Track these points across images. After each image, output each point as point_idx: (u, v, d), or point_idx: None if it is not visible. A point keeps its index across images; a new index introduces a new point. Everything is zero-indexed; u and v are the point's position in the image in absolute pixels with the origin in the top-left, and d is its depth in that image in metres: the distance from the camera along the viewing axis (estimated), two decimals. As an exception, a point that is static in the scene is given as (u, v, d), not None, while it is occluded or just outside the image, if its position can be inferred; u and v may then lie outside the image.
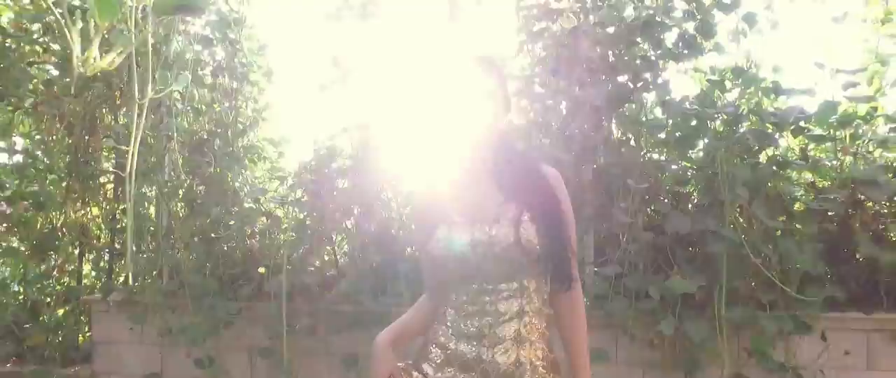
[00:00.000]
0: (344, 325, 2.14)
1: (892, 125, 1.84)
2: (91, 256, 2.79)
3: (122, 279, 2.62)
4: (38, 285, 2.50)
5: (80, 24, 0.61)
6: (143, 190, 2.50)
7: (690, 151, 2.01)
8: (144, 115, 1.17)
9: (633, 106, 2.06)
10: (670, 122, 2.01)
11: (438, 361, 1.15)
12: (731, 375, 1.91)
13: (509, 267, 1.10)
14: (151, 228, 2.56)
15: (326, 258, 2.35)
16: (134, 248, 2.56)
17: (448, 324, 1.15)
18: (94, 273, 2.83)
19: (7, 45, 1.80)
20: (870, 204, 1.95)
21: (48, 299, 2.69)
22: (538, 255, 1.08)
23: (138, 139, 1.14)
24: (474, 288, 1.12)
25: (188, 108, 2.40)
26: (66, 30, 0.63)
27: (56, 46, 2.37)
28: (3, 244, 2.32)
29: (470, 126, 1.13)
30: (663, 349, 1.95)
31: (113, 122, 2.59)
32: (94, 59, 0.63)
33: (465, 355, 1.11)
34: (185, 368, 2.34)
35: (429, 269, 1.23)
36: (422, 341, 1.21)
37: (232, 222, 2.30)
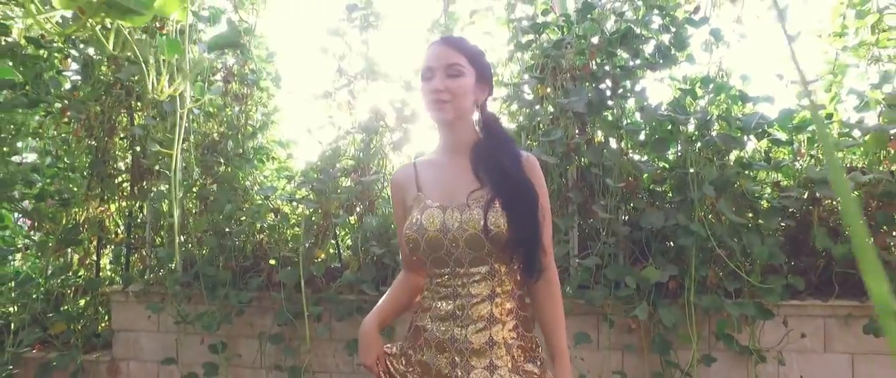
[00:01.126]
0: (347, 312, 2.31)
1: (845, 130, 2.02)
2: (108, 250, 2.96)
3: (136, 271, 2.79)
4: (62, 277, 2.66)
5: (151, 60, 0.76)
6: (161, 188, 2.68)
7: (665, 153, 2.20)
8: (186, 120, 1.34)
9: (614, 111, 2.25)
10: (647, 126, 2.20)
11: (419, 343, 1.18)
12: (700, 357, 2.11)
13: (479, 251, 1.11)
14: (164, 224, 2.74)
15: (331, 251, 2.53)
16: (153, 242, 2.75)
17: (426, 306, 1.18)
18: (110, 266, 3.00)
19: (39, 53, 1.95)
20: (828, 201, 2.14)
21: (68, 290, 2.86)
22: (506, 242, 1.09)
23: (180, 143, 1.31)
24: (447, 271, 1.13)
25: (200, 111, 2.57)
26: (144, 66, 0.80)
27: (74, 53, 2.55)
28: (34, 238, 2.49)
29: (439, 104, 1.14)
30: (640, 333, 2.14)
31: (129, 125, 2.76)
32: (164, 86, 0.79)
33: (440, 336, 1.13)
34: (198, 354, 2.51)
35: (405, 250, 1.22)
36: (409, 324, 1.23)
37: (243, 218, 2.48)
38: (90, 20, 0.69)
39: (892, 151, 1.91)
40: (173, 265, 2.31)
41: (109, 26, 0.64)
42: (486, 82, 1.21)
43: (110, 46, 0.81)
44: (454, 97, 1.15)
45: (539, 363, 1.14)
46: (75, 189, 2.50)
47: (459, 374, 1.10)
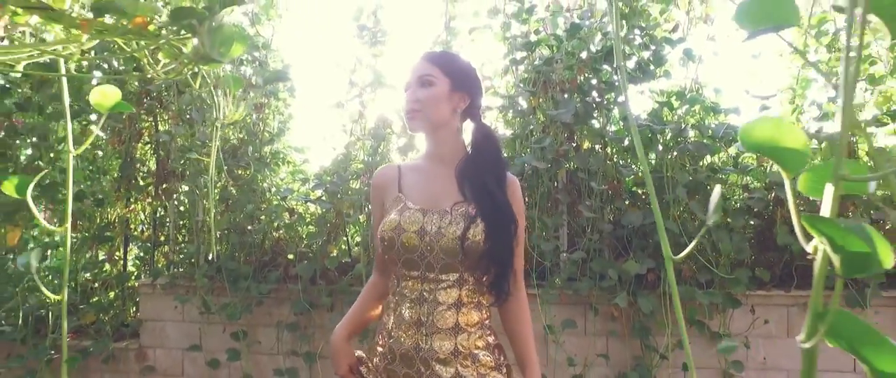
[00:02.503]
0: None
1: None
2: (133, 247, 3.19)
3: (162, 266, 3.02)
4: (94, 271, 2.89)
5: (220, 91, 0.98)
6: (183, 189, 2.91)
7: (645, 159, 2.44)
8: (219, 133, 1.58)
9: (599, 120, 2.49)
10: (629, 134, 2.45)
11: (383, 350, 1.17)
12: (675, 341, 2.35)
13: (452, 259, 1.11)
14: (185, 223, 2.98)
15: (343, 247, 2.76)
16: (175, 239, 2.98)
17: (392, 313, 1.17)
18: (135, 262, 3.23)
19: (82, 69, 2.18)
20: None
21: (96, 283, 3.09)
22: (480, 255, 1.11)
23: (216, 151, 1.54)
24: (416, 275, 1.13)
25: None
26: (216, 96, 1.03)
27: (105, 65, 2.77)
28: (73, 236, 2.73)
29: (411, 114, 1.18)
30: (622, 320, 2.38)
31: (154, 131, 2.99)
32: (231, 112, 1.00)
33: (405, 343, 1.12)
34: (220, 341, 2.74)
35: (379, 250, 1.22)
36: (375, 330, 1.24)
37: (262, 217, 2.71)
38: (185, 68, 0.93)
39: (844, 158, 2.15)
40: (208, 257, 2.54)
41: (196, 70, 0.85)
42: (466, 90, 1.21)
43: (197, 85, 1.05)
44: (423, 107, 1.17)
45: (504, 371, 1.17)
46: (108, 189, 2.73)
47: None
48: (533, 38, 2.49)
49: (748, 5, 0.43)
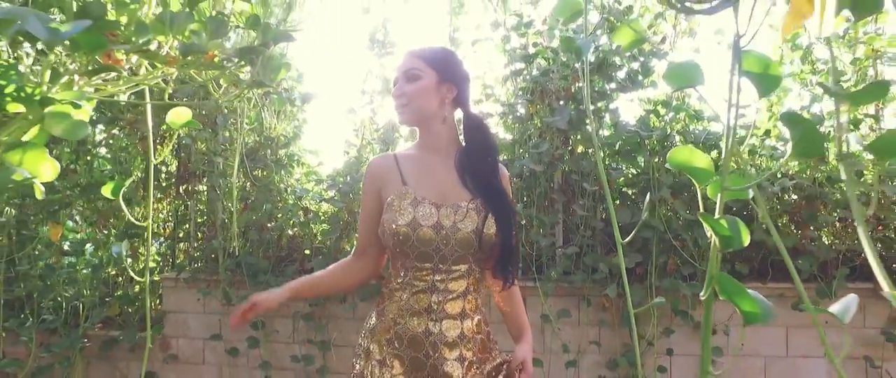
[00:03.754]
0: (368, 294, 2.75)
1: (779, 143, 2.48)
2: (155, 243, 3.39)
3: (184, 261, 3.22)
4: (123, 265, 3.10)
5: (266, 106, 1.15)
6: (202, 189, 3.12)
7: (634, 161, 2.64)
8: (242, 139, 1.78)
9: (591, 126, 2.69)
10: (619, 139, 2.65)
11: (388, 337, 1.19)
12: (661, 330, 2.55)
13: (466, 251, 1.16)
14: (206, 220, 3.18)
15: (355, 243, 2.97)
16: (195, 236, 3.18)
17: (397, 299, 1.19)
18: (156, 257, 3.44)
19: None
20: (771, 202, 2.59)
21: (120, 278, 3.30)
22: (492, 247, 1.17)
23: (239, 155, 1.74)
24: (429, 266, 1.16)
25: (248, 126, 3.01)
26: (264, 111, 1.24)
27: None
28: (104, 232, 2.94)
29: (400, 108, 1.21)
30: (612, 310, 2.59)
31: (177, 136, 3.19)
32: (275, 126, 1.19)
33: (413, 330, 1.16)
34: (240, 331, 2.95)
35: (367, 236, 1.26)
36: (371, 320, 1.27)
37: (279, 216, 2.92)
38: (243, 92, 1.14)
39: (813, 162, 2.36)
40: (229, 252, 2.74)
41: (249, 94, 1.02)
42: (453, 81, 1.23)
43: (250, 106, 1.26)
44: (411, 100, 1.20)
45: (495, 348, 1.27)
46: (135, 190, 2.93)
47: (435, 362, 1.15)
48: (531, 50, 2.69)
49: (671, 70, 0.64)
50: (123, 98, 0.98)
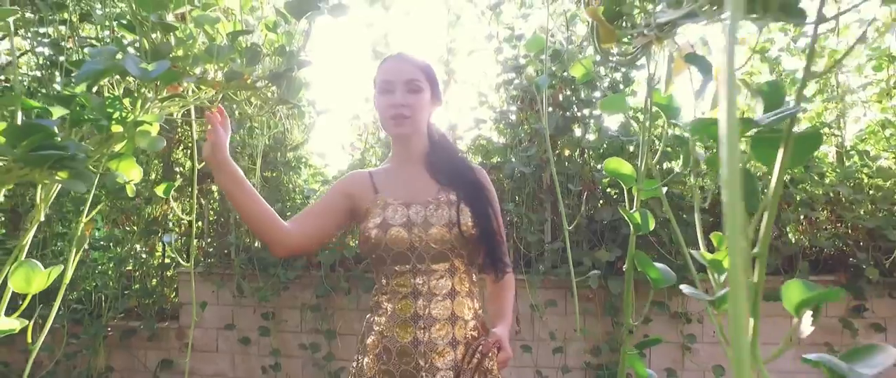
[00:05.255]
0: (371, 286, 2.96)
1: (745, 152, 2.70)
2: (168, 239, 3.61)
3: (197, 255, 3.44)
4: (142, 261, 3.32)
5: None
6: (215, 188, 3.33)
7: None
8: (263, 143, 2.00)
9: (578, 131, 2.92)
10: (602, 144, 2.87)
11: (377, 351, 1.13)
12: (640, 319, 2.77)
13: (442, 247, 1.12)
14: (218, 218, 3.40)
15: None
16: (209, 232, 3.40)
17: (383, 311, 1.15)
18: (173, 253, 3.66)
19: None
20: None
21: (138, 272, 3.52)
22: (472, 239, 1.13)
23: (261, 159, 1.96)
24: (407, 269, 1.12)
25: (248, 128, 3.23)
26: (284, 121, 1.46)
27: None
28: (121, 230, 3.16)
29: (400, 119, 1.17)
30: (596, 301, 2.81)
31: (192, 138, 3.41)
32: (291, 131, 1.39)
33: (402, 339, 1.10)
34: (250, 321, 3.17)
35: (305, 219, 1.21)
36: (363, 332, 1.21)
37: (288, 214, 3.14)
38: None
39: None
40: (245, 246, 2.97)
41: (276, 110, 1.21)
42: (438, 97, 1.25)
43: (276, 119, 1.49)
44: (414, 112, 1.18)
45: (491, 355, 1.17)
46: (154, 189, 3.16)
47: (424, 376, 1.09)
48: (522, 61, 2.91)
49: (606, 101, 0.86)
50: (177, 115, 1.20)
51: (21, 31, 2.42)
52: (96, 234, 3.20)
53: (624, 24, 0.76)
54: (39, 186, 0.76)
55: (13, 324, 0.66)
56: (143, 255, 3.55)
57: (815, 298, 0.50)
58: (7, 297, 0.74)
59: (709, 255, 0.60)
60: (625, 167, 0.86)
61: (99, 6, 2.36)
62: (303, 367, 3.10)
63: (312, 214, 1.24)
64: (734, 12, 0.33)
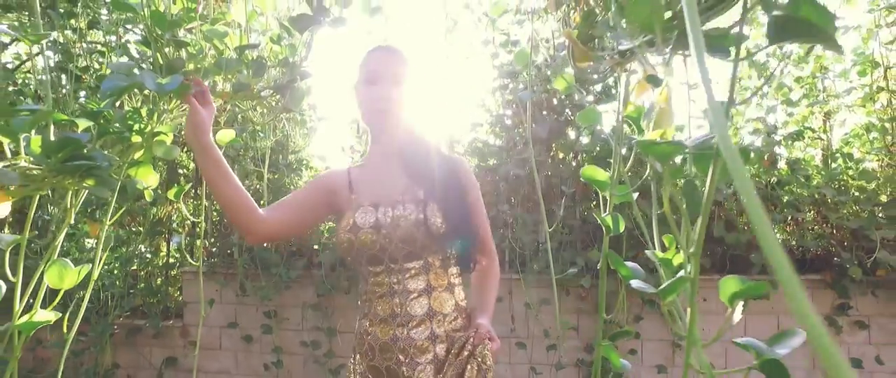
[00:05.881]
0: (371, 286, 3.06)
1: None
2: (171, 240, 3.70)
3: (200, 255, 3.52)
4: (147, 260, 3.41)
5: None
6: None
7: (609, 167, 2.95)
8: (269, 146, 2.09)
9: (571, 135, 3.00)
10: (595, 147, 2.96)
11: (364, 349, 1.15)
12: (633, 316, 2.86)
13: (412, 246, 1.11)
14: (216, 219, 3.49)
15: (357, 240, 3.27)
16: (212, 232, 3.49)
17: (365, 311, 1.17)
18: (177, 253, 3.74)
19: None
20: (729, 203, 2.90)
21: (142, 272, 3.60)
22: (441, 236, 1.11)
23: (267, 161, 2.04)
24: (381, 269, 1.13)
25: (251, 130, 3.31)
26: (293, 126, 1.55)
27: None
28: (126, 231, 3.25)
29: (382, 112, 1.17)
30: (589, 299, 2.89)
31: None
32: (294, 136, 1.47)
33: (382, 337, 1.11)
34: (253, 320, 3.25)
35: (282, 209, 1.20)
36: (355, 331, 1.25)
37: (290, 214, 3.22)
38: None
39: (766, 166, 2.67)
40: (248, 246, 3.05)
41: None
42: (421, 93, 1.25)
43: (280, 126, 1.57)
44: (397, 105, 1.18)
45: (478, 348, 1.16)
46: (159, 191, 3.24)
47: (406, 371, 1.11)
48: (517, 67, 2.99)
49: (583, 114, 0.94)
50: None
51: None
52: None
53: (596, 45, 0.84)
54: (69, 192, 0.85)
55: (50, 316, 0.74)
56: (148, 255, 3.63)
57: (745, 291, 0.58)
58: (18, 293, 0.82)
59: (660, 254, 0.68)
60: (600, 174, 0.95)
61: (105, 12, 2.45)
62: (304, 363, 3.19)
63: (289, 205, 1.24)
64: (698, 52, 0.40)
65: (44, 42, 0.93)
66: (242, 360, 3.29)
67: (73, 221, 0.95)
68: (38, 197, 0.81)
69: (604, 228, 0.89)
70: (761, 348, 0.55)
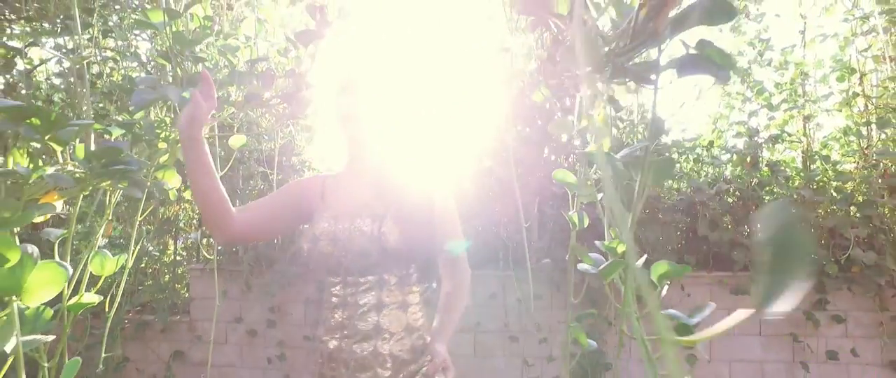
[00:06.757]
0: (371, 282, 3.19)
1: (723, 153, 2.92)
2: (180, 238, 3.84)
3: (206, 253, 3.65)
4: (155, 258, 3.54)
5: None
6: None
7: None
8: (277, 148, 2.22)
9: (562, 137, 3.13)
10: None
11: (317, 358, 1.17)
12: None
13: (367, 260, 1.09)
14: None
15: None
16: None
17: (321, 318, 1.18)
18: (181, 251, 3.88)
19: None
20: (713, 203, 3.03)
21: (149, 269, 3.74)
22: (397, 252, 1.09)
23: (276, 162, 2.17)
24: (338, 280, 1.12)
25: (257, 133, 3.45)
26: (298, 133, 1.68)
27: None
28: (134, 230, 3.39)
29: (356, 120, 1.16)
30: (578, 294, 3.02)
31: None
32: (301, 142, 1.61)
33: (330, 346, 1.12)
34: (257, 315, 3.38)
35: (256, 210, 1.20)
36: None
37: (293, 214, 3.35)
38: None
39: (747, 168, 2.80)
40: (253, 243, 3.18)
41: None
42: (400, 105, 1.24)
43: (286, 131, 1.71)
44: (369, 115, 1.17)
45: (424, 370, 1.14)
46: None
47: None
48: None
49: (553, 125, 1.07)
50: (205, 130, 1.42)
51: (46, 44, 2.65)
52: (113, 233, 3.41)
53: (562, 67, 0.97)
54: (108, 193, 0.98)
55: (94, 298, 0.87)
56: (156, 253, 3.77)
57: (671, 273, 0.71)
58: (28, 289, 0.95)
59: (607, 244, 0.81)
60: (569, 177, 1.08)
61: (114, 18, 2.59)
62: (306, 356, 3.32)
63: (259, 208, 1.23)
64: (590, 86, 0.53)
65: (61, 50, 1.06)
66: (247, 354, 3.42)
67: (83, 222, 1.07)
68: (81, 196, 0.94)
69: (571, 224, 1.02)
70: (677, 315, 0.68)
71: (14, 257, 0.56)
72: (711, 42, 0.61)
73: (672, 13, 0.61)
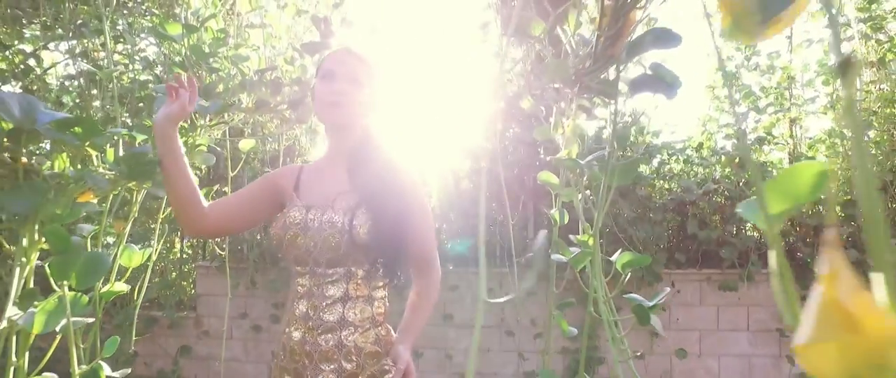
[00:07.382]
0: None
1: (712, 155, 3.02)
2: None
3: (212, 251, 3.77)
4: (162, 255, 3.65)
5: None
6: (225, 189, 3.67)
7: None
8: (282, 149, 2.33)
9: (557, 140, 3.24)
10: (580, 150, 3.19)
11: (281, 349, 1.15)
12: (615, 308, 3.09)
13: (336, 253, 1.08)
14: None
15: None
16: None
17: (289, 309, 1.17)
18: (187, 249, 3.99)
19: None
20: (702, 202, 3.14)
21: (157, 267, 3.85)
22: (366, 246, 1.08)
23: (281, 164, 2.28)
24: (306, 271, 1.12)
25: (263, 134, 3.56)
26: (301, 135, 1.78)
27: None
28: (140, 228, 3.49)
29: (334, 106, 1.13)
30: (572, 291, 3.13)
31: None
32: (303, 143, 1.71)
33: (294, 337, 1.11)
34: (261, 311, 3.49)
35: (225, 203, 1.21)
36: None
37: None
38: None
39: (734, 168, 2.91)
40: (257, 241, 3.29)
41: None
42: (382, 98, 1.23)
43: (290, 134, 1.81)
44: (350, 102, 1.14)
45: (389, 365, 1.13)
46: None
47: (309, 375, 1.09)
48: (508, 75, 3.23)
49: (537, 131, 1.18)
50: (217, 135, 1.53)
51: (55, 47, 2.76)
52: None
53: (543, 81, 1.08)
54: (135, 192, 1.09)
55: (123, 287, 0.98)
56: (163, 251, 3.88)
57: (633, 262, 0.82)
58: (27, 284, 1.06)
59: (580, 237, 0.91)
60: (552, 178, 1.18)
61: (122, 22, 2.69)
62: (309, 351, 3.42)
63: (230, 202, 1.25)
64: (562, 99, 0.64)
65: (76, 53, 1.16)
66: (252, 349, 3.53)
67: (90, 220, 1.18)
68: (111, 195, 1.05)
69: (551, 221, 1.13)
70: (636, 298, 0.79)
71: (66, 248, 0.66)
72: (661, 64, 0.72)
73: (628, 39, 0.71)
